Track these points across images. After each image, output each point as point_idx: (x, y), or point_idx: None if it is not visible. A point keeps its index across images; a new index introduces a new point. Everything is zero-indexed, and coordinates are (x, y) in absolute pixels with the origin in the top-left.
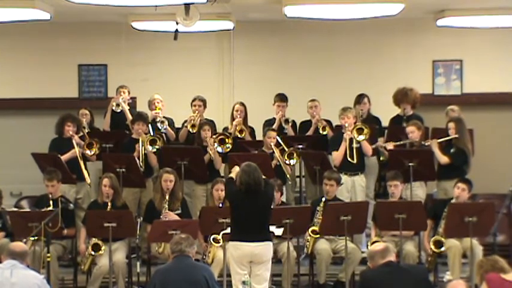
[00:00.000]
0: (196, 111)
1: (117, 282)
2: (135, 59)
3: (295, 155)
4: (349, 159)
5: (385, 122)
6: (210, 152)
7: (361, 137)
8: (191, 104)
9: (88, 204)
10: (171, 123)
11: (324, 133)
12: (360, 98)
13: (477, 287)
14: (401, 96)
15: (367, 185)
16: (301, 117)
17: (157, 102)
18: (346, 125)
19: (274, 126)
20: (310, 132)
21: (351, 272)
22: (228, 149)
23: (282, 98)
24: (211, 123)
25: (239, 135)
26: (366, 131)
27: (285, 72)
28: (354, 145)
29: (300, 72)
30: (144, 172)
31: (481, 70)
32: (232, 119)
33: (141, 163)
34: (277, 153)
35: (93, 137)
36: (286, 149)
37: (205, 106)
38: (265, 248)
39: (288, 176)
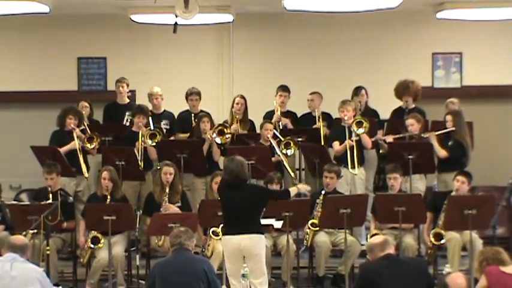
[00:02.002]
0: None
1: (116, 275)
2: (135, 51)
3: (292, 144)
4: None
5: (385, 115)
6: (208, 137)
7: (361, 130)
8: (187, 98)
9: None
10: (171, 119)
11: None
12: (357, 90)
13: (476, 280)
14: (403, 89)
15: (366, 178)
16: (300, 110)
17: (156, 99)
18: (346, 118)
19: (274, 119)
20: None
21: (351, 264)
22: (227, 140)
23: (284, 89)
24: (209, 115)
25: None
26: (365, 124)
27: (284, 65)
28: (354, 138)
29: (300, 65)
30: (143, 165)
31: (481, 63)
32: (232, 111)
33: (140, 161)
34: (274, 145)
35: (92, 130)
36: (283, 139)
37: (200, 98)
38: (253, 241)
39: (292, 175)
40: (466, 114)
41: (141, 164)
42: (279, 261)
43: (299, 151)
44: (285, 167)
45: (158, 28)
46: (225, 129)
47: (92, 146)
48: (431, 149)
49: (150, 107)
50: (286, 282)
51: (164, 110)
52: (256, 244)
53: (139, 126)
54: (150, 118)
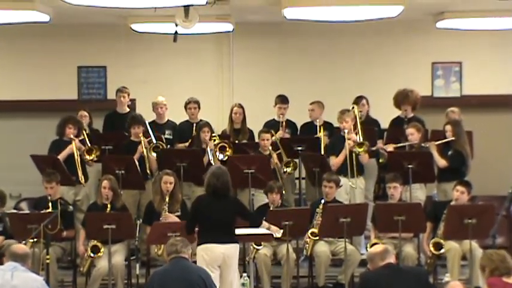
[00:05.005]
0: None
1: (116, 284)
2: (135, 60)
3: (291, 164)
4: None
5: (385, 124)
6: (209, 150)
7: (362, 150)
8: (185, 107)
9: (87, 206)
10: (175, 129)
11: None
12: (358, 100)
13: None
14: (402, 98)
15: (366, 187)
16: (301, 119)
17: (161, 108)
18: (346, 130)
19: (279, 133)
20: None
21: (350, 274)
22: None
23: (283, 100)
24: (209, 125)
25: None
26: (364, 147)
27: (284, 74)
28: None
29: (300, 74)
30: (144, 175)
31: (481, 72)
32: (231, 120)
33: (146, 170)
34: (273, 156)
35: (92, 139)
36: (284, 157)
37: (199, 107)
38: (235, 250)
39: (281, 181)
40: (466, 123)
41: (149, 172)
42: (279, 271)
43: (299, 160)
44: (279, 177)
45: (158, 37)
46: (227, 146)
47: (91, 158)
48: (431, 159)
49: (154, 117)
50: None
51: (168, 120)
52: (236, 253)
53: (137, 136)
54: (149, 127)
